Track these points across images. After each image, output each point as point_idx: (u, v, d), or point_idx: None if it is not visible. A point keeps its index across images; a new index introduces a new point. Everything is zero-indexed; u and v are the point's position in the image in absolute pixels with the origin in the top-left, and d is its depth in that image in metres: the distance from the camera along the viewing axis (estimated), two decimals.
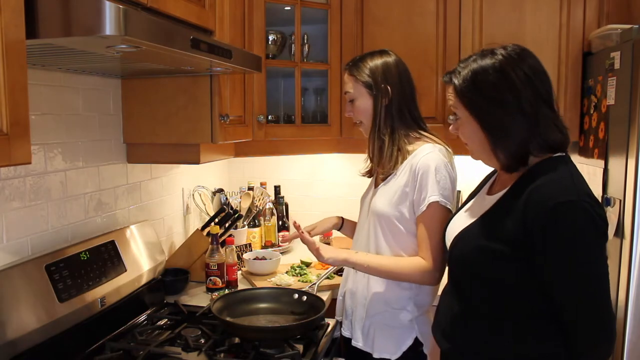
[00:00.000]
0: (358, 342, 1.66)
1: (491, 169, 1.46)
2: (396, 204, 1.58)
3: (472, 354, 1.27)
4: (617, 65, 1.78)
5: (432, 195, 1.51)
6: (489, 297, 1.23)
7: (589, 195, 1.14)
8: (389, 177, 1.62)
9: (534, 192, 1.14)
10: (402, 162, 1.59)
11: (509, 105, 1.17)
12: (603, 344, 1.15)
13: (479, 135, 1.23)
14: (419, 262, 1.54)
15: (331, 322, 1.77)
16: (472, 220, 1.29)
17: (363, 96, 1.63)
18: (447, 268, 1.41)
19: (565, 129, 1.23)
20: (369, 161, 1.73)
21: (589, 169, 1.99)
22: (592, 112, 2.02)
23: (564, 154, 1.23)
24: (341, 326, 1.76)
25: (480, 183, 1.48)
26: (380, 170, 1.67)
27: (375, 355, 1.61)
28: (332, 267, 2.18)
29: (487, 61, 1.20)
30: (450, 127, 1.32)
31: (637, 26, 1.71)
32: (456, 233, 1.32)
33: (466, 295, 1.30)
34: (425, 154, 1.55)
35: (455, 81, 1.23)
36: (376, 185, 1.70)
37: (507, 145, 1.20)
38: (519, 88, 1.17)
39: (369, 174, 1.80)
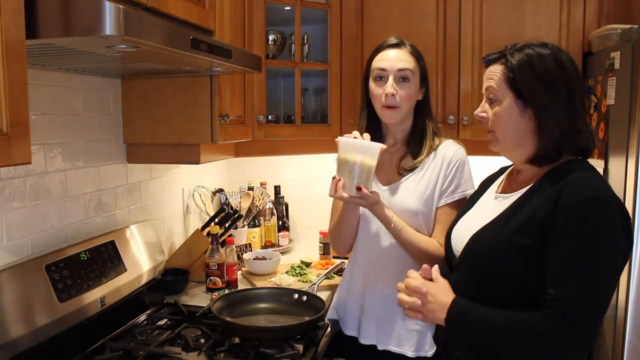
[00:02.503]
0: (389, 346, 1.60)
1: (490, 173, 1.46)
2: (428, 199, 1.58)
3: (467, 347, 1.26)
4: (617, 65, 1.78)
5: (469, 188, 1.58)
6: (506, 293, 1.18)
7: (619, 201, 1.13)
8: (414, 171, 1.61)
9: (566, 186, 1.12)
10: (427, 155, 1.61)
11: (560, 94, 1.17)
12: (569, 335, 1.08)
13: (519, 120, 1.21)
14: (437, 244, 1.55)
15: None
16: (489, 219, 1.25)
17: (417, 79, 1.63)
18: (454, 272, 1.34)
19: (593, 135, 1.22)
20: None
21: None
22: (592, 112, 2.02)
23: (586, 159, 1.23)
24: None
25: (481, 186, 1.46)
26: (407, 163, 1.63)
27: (409, 355, 1.57)
28: (332, 267, 2.18)
29: (543, 49, 1.20)
30: (478, 111, 1.28)
31: (637, 26, 1.71)
32: (469, 233, 1.27)
33: (482, 290, 1.23)
34: (457, 148, 1.62)
35: (512, 60, 1.20)
36: (387, 183, 1.64)
37: (552, 132, 1.18)
38: (572, 81, 1.18)
39: None
